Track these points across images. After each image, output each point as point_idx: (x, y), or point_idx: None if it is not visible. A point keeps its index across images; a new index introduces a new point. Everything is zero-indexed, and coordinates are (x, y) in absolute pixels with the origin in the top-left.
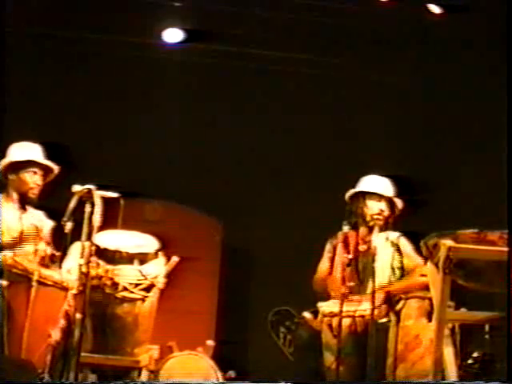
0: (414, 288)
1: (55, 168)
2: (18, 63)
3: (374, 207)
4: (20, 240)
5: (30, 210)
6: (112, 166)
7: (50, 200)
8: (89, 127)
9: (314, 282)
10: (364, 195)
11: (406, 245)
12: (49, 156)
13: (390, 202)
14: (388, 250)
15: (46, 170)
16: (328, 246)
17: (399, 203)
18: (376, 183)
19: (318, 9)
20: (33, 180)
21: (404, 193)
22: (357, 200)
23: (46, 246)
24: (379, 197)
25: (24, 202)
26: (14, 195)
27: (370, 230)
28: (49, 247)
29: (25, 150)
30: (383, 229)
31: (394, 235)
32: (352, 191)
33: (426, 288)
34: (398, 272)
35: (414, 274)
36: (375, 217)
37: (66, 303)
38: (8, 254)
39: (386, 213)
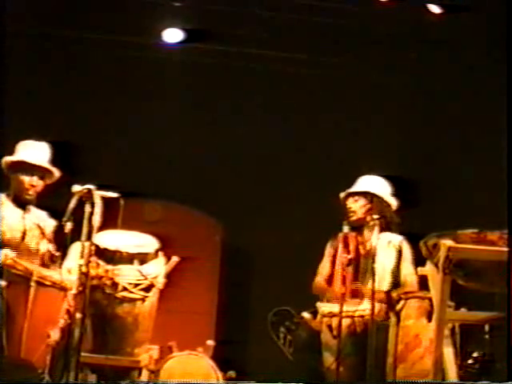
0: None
1: (53, 170)
2: (18, 63)
3: (358, 205)
4: (22, 239)
5: (33, 209)
6: (112, 166)
7: (50, 200)
8: (89, 127)
9: (315, 285)
10: (353, 195)
11: (407, 252)
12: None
13: (381, 201)
14: (389, 253)
15: (44, 171)
16: (328, 248)
17: (393, 202)
18: (366, 183)
19: (317, 9)
20: (29, 181)
21: (404, 193)
22: (346, 200)
23: (48, 246)
24: (364, 195)
25: (21, 201)
26: (13, 194)
27: (371, 230)
28: (51, 247)
29: (26, 150)
30: (384, 229)
31: (396, 238)
32: (344, 193)
33: (426, 288)
34: (395, 278)
35: (405, 287)
36: (375, 217)
37: (65, 303)
38: (8, 253)
39: (374, 212)
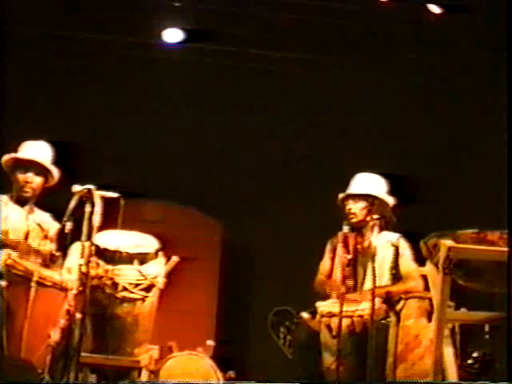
0: (409, 292)
1: (45, 164)
2: (18, 63)
3: (359, 207)
4: (25, 240)
5: (37, 210)
6: (112, 166)
7: (51, 200)
8: (89, 127)
9: (316, 283)
10: (353, 196)
11: (405, 248)
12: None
13: (381, 202)
14: (387, 252)
15: (38, 167)
16: (328, 247)
17: (391, 201)
18: (365, 183)
19: (317, 9)
20: (23, 177)
21: (404, 192)
22: (346, 201)
23: (51, 247)
24: (365, 197)
25: (21, 201)
26: (15, 195)
27: (370, 230)
28: (51, 248)
29: (23, 149)
30: (383, 228)
31: (394, 237)
32: (343, 194)
33: (426, 288)
34: (394, 275)
35: (408, 280)
36: (374, 217)
37: (65, 303)
38: (8, 253)
39: (375, 212)
